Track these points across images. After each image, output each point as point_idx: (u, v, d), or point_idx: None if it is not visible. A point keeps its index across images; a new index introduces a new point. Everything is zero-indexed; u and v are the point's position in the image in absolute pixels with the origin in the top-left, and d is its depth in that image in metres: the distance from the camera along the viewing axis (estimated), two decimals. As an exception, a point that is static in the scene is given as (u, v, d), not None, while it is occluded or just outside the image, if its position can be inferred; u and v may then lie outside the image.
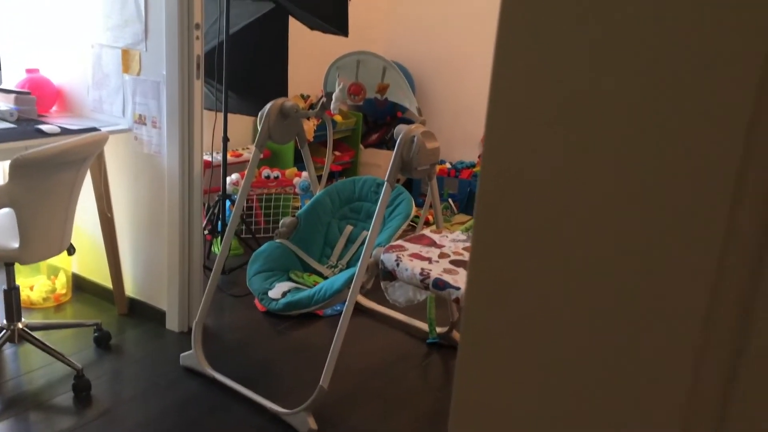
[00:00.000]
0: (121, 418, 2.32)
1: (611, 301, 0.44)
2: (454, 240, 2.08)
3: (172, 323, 2.94)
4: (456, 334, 2.98)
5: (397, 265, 1.89)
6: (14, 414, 2.30)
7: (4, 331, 2.50)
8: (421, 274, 1.81)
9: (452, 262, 1.87)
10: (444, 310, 3.13)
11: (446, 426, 2.39)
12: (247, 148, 4.29)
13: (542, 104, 0.46)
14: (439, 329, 2.98)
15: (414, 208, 2.67)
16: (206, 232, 3.59)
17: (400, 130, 2.25)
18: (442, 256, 1.93)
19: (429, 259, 1.90)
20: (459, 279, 1.74)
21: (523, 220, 0.47)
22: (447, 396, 2.60)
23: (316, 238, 2.83)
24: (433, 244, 2.05)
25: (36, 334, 2.54)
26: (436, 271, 1.80)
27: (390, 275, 1.94)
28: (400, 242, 2.06)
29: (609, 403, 0.44)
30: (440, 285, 1.75)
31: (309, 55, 4.62)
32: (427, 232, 2.16)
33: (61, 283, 3.10)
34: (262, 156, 4.16)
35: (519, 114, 0.47)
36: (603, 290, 0.44)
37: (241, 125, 4.31)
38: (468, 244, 2.02)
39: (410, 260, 1.89)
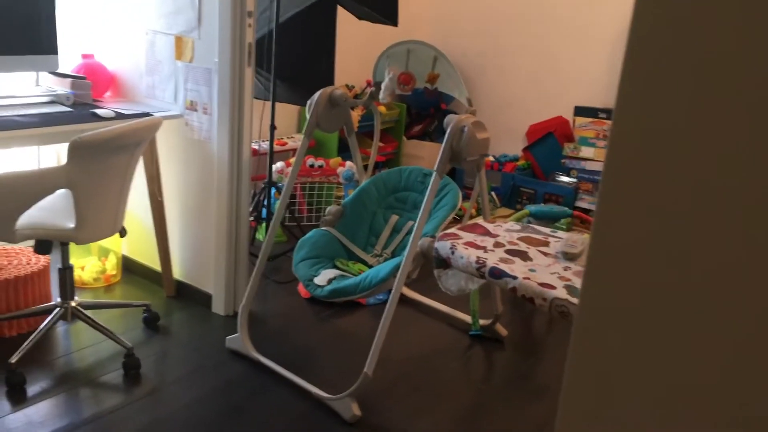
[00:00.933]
0: (169, 397, 2.37)
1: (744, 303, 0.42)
2: (509, 230, 2.07)
3: (218, 307, 2.98)
4: (499, 327, 2.96)
5: (452, 252, 1.88)
6: (66, 390, 2.36)
7: (58, 308, 2.57)
8: (477, 262, 1.80)
9: (508, 252, 1.86)
10: (488, 302, 3.11)
11: (488, 419, 2.38)
12: (292, 137, 4.32)
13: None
14: (482, 321, 2.96)
15: (460, 203, 2.65)
16: (251, 218, 3.63)
17: (451, 120, 2.24)
18: (497, 245, 1.92)
19: (484, 248, 1.89)
20: (515, 268, 1.72)
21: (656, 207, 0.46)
22: (489, 389, 2.59)
23: (362, 226, 2.84)
24: (487, 233, 2.03)
25: (88, 313, 2.61)
26: (492, 260, 1.79)
27: (444, 263, 1.94)
28: (454, 230, 2.05)
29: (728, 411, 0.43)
30: (497, 274, 1.74)
31: (355, 45, 4.62)
32: (480, 221, 2.14)
33: (112, 264, 3.18)
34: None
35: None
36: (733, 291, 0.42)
37: (286, 114, 4.34)
38: (523, 234, 2.00)
39: (465, 249, 1.88)
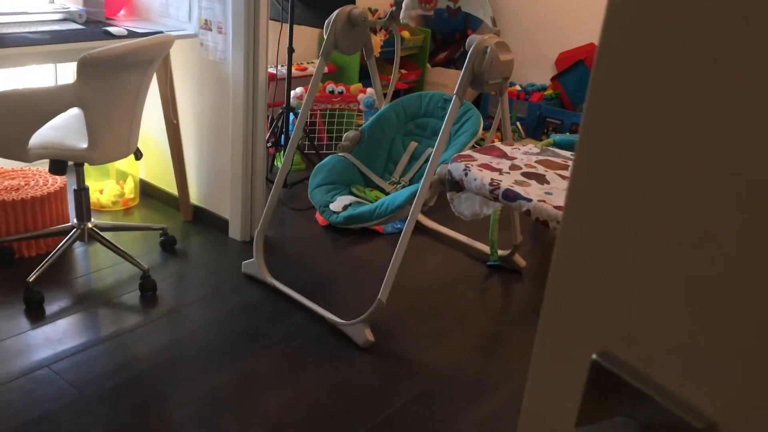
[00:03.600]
0: (185, 319, 2.39)
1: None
2: (527, 153, 1.98)
3: (235, 232, 2.97)
4: (518, 258, 2.91)
5: (465, 174, 1.81)
6: (84, 309, 2.39)
7: (75, 230, 2.57)
8: (490, 184, 1.73)
9: (524, 174, 1.78)
10: (507, 233, 3.06)
11: (504, 347, 2.36)
12: (312, 62, 4.21)
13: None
14: (500, 252, 2.91)
15: (480, 130, 2.56)
16: (269, 145, 3.58)
17: (473, 41, 2.13)
18: (513, 168, 1.84)
19: (499, 170, 1.81)
20: (531, 191, 1.65)
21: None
22: (505, 319, 2.57)
23: (380, 153, 2.78)
24: (504, 155, 1.95)
25: (105, 235, 2.61)
26: (506, 182, 1.72)
27: (457, 186, 1.87)
28: (469, 152, 1.97)
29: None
30: (510, 196, 1.67)
31: (378, -34, 4.44)
32: (498, 143, 2.06)
33: (129, 188, 3.17)
34: (326, 70, 4.05)
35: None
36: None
37: (306, 38, 4.22)
38: (542, 157, 1.91)
39: (479, 170, 1.81)
